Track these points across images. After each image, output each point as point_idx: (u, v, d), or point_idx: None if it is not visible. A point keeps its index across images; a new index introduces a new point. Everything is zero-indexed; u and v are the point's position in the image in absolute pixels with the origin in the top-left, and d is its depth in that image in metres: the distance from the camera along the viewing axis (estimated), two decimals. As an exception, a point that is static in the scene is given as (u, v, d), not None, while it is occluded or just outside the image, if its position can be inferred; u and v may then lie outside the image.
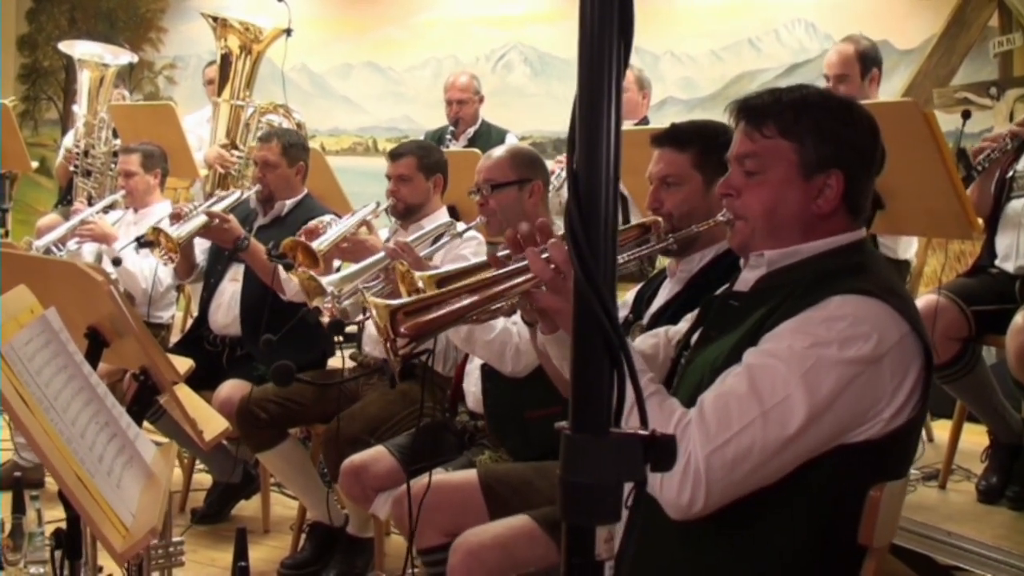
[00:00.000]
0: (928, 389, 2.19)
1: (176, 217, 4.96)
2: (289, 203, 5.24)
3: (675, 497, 2.07)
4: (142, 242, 4.96)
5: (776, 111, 2.27)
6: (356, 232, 4.41)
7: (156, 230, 4.84)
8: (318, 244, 4.23)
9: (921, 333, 2.16)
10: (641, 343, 2.72)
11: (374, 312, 2.31)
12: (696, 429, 2.07)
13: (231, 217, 4.94)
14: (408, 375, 4.35)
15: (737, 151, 2.33)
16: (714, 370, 2.20)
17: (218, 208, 5.03)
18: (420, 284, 2.72)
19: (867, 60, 5.14)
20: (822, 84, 5.16)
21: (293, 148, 5.24)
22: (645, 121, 6.50)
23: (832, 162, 2.23)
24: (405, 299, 2.34)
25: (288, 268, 4.37)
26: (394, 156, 4.72)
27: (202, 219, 4.87)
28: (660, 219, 2.83)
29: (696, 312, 2.58)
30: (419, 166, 4.65)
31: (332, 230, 4.37)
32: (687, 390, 2.26)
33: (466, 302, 2.28)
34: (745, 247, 2.36)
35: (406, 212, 4.67)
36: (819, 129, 2.24)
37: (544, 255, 2.17)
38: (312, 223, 4.54)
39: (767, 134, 2.26)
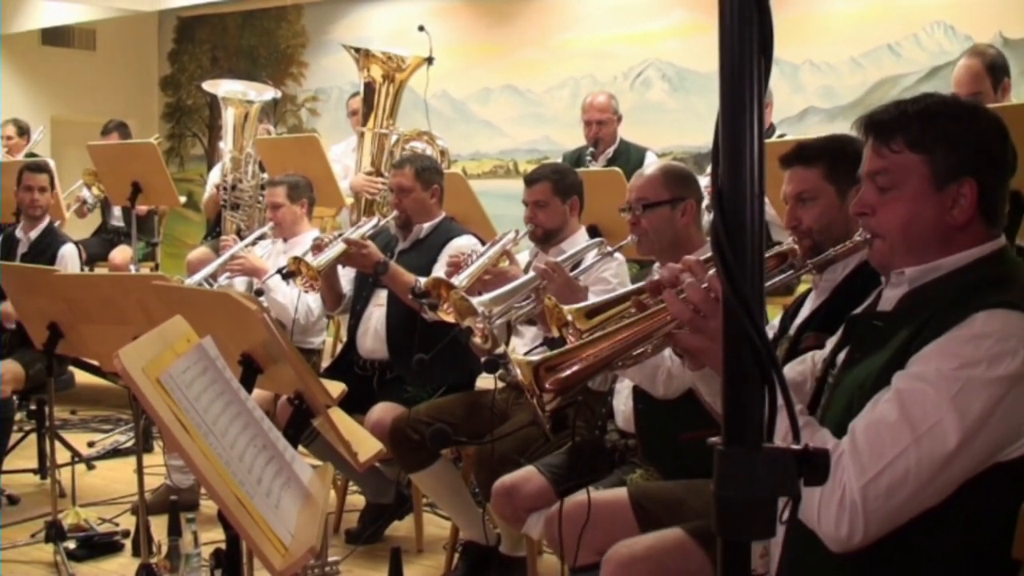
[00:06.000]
0: None
1: (318, 248, 5.06)
2: (427, 226, 5.29)
3: (833, 531, 2.06)
4: (284, 273, 5.08)
5: (903, 124, 2.24)
6: (497, 263, 4.43)
7: (296, 259, 4.97)
8: (459, 281, 4.24)
9: None
10: (789, 371, 2.69)
11: (519, 372, 2.35)
12: (849, 460, 2.06)
13: (369, 243, 5.01)
14: (560, 427, 4.33)
15: (868, 168, 2.30)
16: (863, 393, 2.18)
17: (356, 235, 5.13)
18: (569, 317, 2.69)
19: (997, 71, 5.05)
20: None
21: (426, 172, 5.30)
22: (772, 130, 6.41)
23: (963, 170, 2.19)
24: (546, 354, 2.35)
25: (433, 308, 4.38)
26: (529, 182, 4.72)
27: (340, 247, 4.97)
28: (796, 247, 2.81)
29: (840, 331, 2.55)
30: (554, 190, 4.65)
31: (473, 264, 4.37)
32: (836, 412, 2.25)
33: (608, 351, 2.30)
34: (885, 265, 2.34)
35: (545, 237, 4.67)
36: (947, 138, 2.20)
37: (682, 295, 2.18)
38: (453, 251, 4.59)
39: (895, 148, 2.24)
